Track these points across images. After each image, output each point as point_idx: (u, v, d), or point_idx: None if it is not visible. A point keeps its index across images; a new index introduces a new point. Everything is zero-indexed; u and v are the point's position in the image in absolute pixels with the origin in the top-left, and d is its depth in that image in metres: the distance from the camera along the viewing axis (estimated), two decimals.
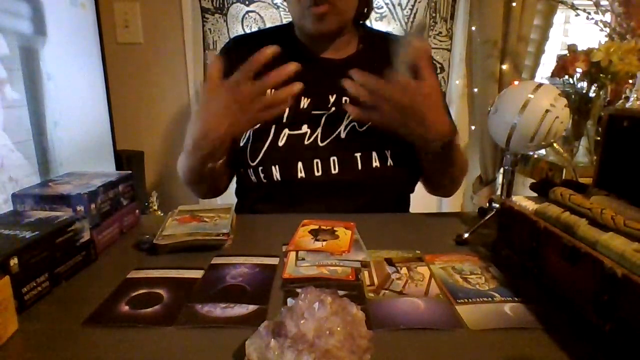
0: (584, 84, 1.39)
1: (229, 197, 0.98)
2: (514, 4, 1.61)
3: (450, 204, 1.85)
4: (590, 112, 1.39)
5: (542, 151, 1.44)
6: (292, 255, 0.60)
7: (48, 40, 1.34)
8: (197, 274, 0.55)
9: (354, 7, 0.85)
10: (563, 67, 1.37)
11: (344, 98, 0.85)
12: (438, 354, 0.41)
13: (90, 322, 0.45)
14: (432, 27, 1.77)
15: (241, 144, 0.85)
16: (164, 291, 0.51)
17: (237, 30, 1.73)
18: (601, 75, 1.32)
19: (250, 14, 1.71)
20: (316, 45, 0.89)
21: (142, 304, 0.48)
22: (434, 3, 1.74)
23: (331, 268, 0.56)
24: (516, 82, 0.70)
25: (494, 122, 0.66)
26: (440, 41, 1.79)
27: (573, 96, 1.39)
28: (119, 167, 1.61)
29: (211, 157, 0.75)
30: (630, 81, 1.30)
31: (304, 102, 0.85)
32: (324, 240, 0.64)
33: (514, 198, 0.64)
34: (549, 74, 1.46)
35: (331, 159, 0.82)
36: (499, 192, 0.73)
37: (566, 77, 1.40)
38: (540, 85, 0.63)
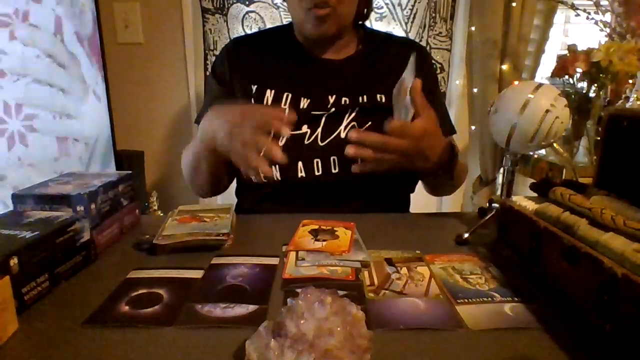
0: (584, 84, 1.39)
1: (229, 197, 0.98)
2: (514, 4, 1.61)
3: (450, 204, 1.85)
4: (590, 112, 1.39)
5: (542, 151, 1.44)
6: (292, 255, 0.60)
7: None
8: (197, 274, 0.55)
9: (354, 9, 0.85)
10: (563, 67, 1.37)
11: (343, 99, 0.85)
12: (438, 354, 0.41)
13: (90, 322, 0.45)
14: (432, 27, 1.77)
15: None
16: (164, 291, 0.51)
17: (238, 31, 1.73)
18: (601, 75, 1.32)
19: (250, 14, 1.71)
20: (316, 46, 0.89)
21: (142, 304, 0.48)
22: (434, 3, 1.74)
23: (331, 268, 0.56)
24: (516, 82, 0.70)
25: (494, 122, 0.66)
26: (440, 41, 1.79)
27: (573, 96, 1.39)
28: (119, 167, 1.61)
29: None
30: (630, 81, 1.30)
31: (304, 103, 0.85)
32: (324, 240, 0.64)
33: (514, 198, 0.64)
34: (549, 74, 1.46)
35: (331, 158, 0.82)
36: (499, 192, 0.73)
37: (566, 77, 1.40)
38: (540, 85, 0.63)
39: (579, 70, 1.35)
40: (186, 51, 1.73)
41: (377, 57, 0.91)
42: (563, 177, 1.33)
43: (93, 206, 0.61)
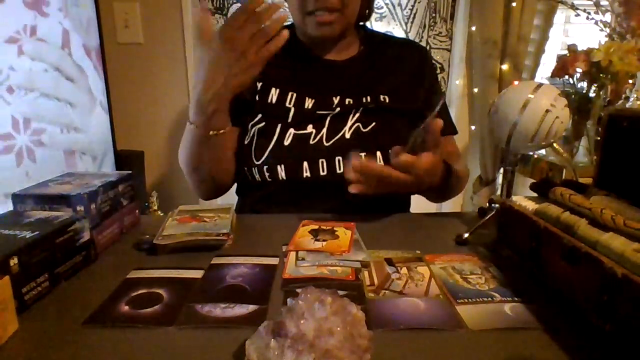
0: (584, 84, 1.39)
1: (230, 196, 0.98)
2: (514, 4, 1.61)
3: (450, 204, 1.84)
4: (590, 112, 1.39)
5: (542, 151, 1.44)
6: (292, 255, 0.60)
7: None
8: (197, 274, 0.55)
9: (357, 11, 0.85)
10: (563, 67, 1.37)
11: (347, 99, 0.85)
12: (438, 354, 0.41)
13: (90, 322, 0.45)
14: (432, 27, 1.77)
15: (245, 142, 0.85)
16: (164, 291, 0.51)
17: None
18: (601, 75, 1.32)
19: None
20: (318, 47, 0.89)
21: (142, 304, 0.48)
22: (434, 3, 1.74)
23: (331, 268, 0.56)
24: (516, 82, 0.70)
25: (494, 122, 0.66)
26: (440, 41, 1.79)
27: (573, 96, 1.39)
28: (119, 167, 1.61)
29: (215, 121, 0.75)
30: (630, 81, 1.30)
31: (309, 103, 0.85)
32: (324, 240, 0.64)
33: (514, 198, 0.64)
34: (549, 74, 1.46)
35: (336, 158, 0.82)
36: (499, 192, 0.73)
37: (566, 77, 1.39)
38: (540, 85, 0.63)
39: (579, 70, 1.35)
40: (186, 51, 1.73)
41: (377, 57, 0.91)
42: (563, 177, 1.33)
43: (93, 206, 0.61)
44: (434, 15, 1.75)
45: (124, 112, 1.73)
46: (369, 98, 0.86)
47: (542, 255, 0.53)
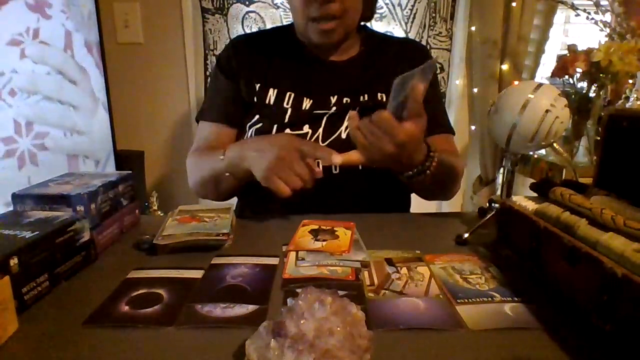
0: (584, 84, 1.39)
1: None
2: (514, 4, 1.61)
3: (450, 204, 1.84)
4: (590, 112, 1.39)
5: (542, 151, 1.44)
6: (292, 255, 0.60)
7: None
8: (197, 274, 0.55)
9: (357, 17, 0.85)
10: (563, 67, 1.37)
11: (344, 99, 0.85)
12: (438, 354, 0.41)
13: (90, 322, 0.45)
14: (432, 27, 1.77)
15: None
16: (164, 291, 0.51)
17: (237, 31, 1.72)
18: (601, 75, 1.32)
19: (250, 14, 1.71)
20: (319, 48, 0.89)
21: (142, 304, 0.48)
22: (434, 3, 1.74)
23: (331, 268, 0.56)
24: (516, 82, 0.70)
25: (494, 122, 0.66)
26: (440, 41, 1.78)
27: (573, 96, 1.39)
28: (119, 167, 1.61)
29: (242, 175, 0.77)
30: (630, 81, 1.30)
31: (306, 103, 0.85)
32: (324, 240, 0.64)
33: (514, 198, 0.64)
34: (549, 74, 1.46)
35: None
36: (499, 192, 0.73)
37: (566, 77, 1.39)
38: (540, 85, 0.63)
39: (579, 70, 1.35)
40: (186, 51, 1.73)
41: (377, 57, 0.91)
42: (563, 177, 1.33)
43: (93, 206, 0.61)
44: (434, 15, 1.75)
45: (124, 112, 1.73)
46: (366, 97, 0.85)
47: (542, 255, 0.53)
